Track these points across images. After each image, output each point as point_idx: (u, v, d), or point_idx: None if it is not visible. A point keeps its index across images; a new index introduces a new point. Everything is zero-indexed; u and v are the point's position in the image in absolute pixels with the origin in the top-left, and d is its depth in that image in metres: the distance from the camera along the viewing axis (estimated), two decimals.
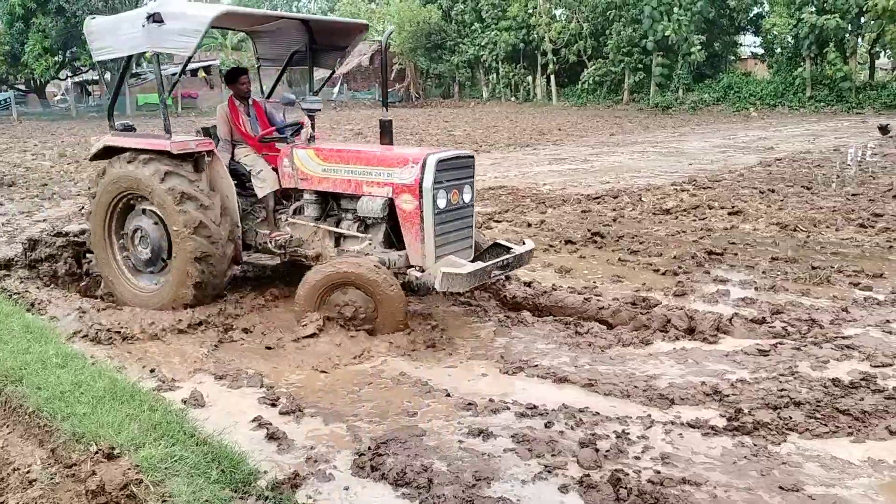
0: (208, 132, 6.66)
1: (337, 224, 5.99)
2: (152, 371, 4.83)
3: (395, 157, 5.56)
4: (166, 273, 6.02)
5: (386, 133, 6.22)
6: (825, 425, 3.90)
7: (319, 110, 5.96)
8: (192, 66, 50.42)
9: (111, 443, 3.34)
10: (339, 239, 5.93)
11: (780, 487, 3.34)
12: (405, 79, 52.36)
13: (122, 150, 6.05)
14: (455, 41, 48.63)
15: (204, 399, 4.35)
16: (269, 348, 5.26)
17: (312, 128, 6.07)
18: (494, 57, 45.91)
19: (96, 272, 6.67)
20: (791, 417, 3.98)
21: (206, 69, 50.26)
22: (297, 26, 6.76)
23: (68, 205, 11.65)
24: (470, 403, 4.24)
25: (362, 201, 5.60)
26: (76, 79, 46.89)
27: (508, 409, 4.20)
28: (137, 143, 6.01)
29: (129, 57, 6.20)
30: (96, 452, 3.26)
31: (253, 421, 4.05)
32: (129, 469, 3.12)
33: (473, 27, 46.96)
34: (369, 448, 3.72)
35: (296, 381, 4.73)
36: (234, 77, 6.57)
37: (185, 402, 4.29)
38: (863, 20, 32.08)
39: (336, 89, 51.36)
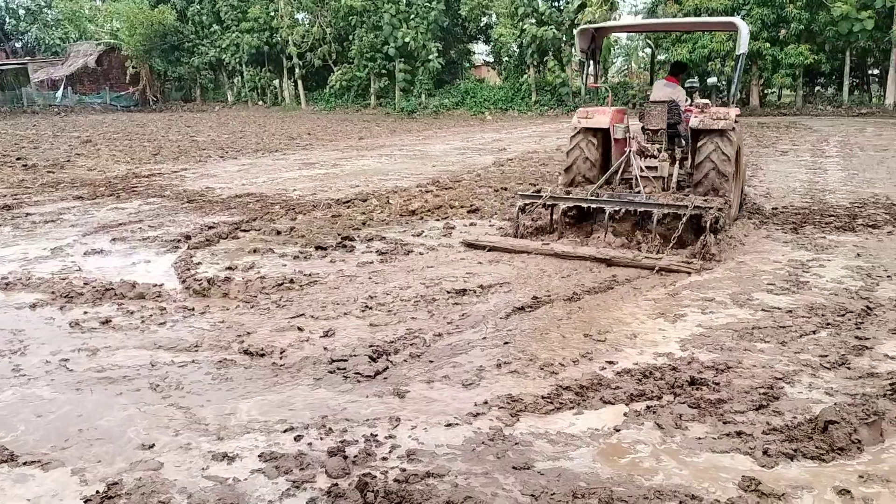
0: None
1: None
2: None
3: None
4: None
5: None
6: (551, 403, 4.29)
7: None
8: None
9: None
10: None
11: (514, 467, 3.60)
12: (140, 82, 48.76)
13: None
14: (194, 42, 46.27)
15: None
16: None
17: None
18: (238, 59, 44.40)
19: None
20: (521, 399, 4.32)
21: None
22: None
23: None
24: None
25: None
26: None
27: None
28: None
29: None
30: None
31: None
32: None
33: (213, 28, 45.02)
34: (97, 492, 3.39)
35: None
36: None
37: None
38: (574, 31, 35.97)
39: (59, 93, 46.35)
